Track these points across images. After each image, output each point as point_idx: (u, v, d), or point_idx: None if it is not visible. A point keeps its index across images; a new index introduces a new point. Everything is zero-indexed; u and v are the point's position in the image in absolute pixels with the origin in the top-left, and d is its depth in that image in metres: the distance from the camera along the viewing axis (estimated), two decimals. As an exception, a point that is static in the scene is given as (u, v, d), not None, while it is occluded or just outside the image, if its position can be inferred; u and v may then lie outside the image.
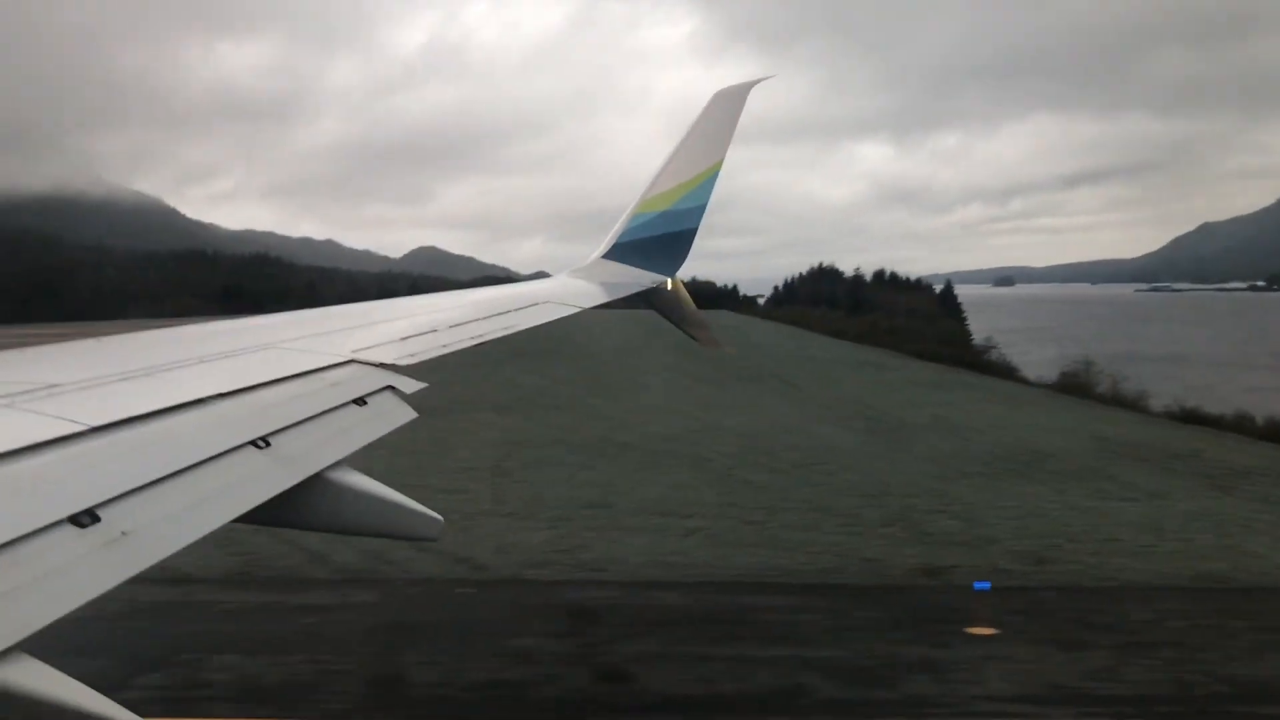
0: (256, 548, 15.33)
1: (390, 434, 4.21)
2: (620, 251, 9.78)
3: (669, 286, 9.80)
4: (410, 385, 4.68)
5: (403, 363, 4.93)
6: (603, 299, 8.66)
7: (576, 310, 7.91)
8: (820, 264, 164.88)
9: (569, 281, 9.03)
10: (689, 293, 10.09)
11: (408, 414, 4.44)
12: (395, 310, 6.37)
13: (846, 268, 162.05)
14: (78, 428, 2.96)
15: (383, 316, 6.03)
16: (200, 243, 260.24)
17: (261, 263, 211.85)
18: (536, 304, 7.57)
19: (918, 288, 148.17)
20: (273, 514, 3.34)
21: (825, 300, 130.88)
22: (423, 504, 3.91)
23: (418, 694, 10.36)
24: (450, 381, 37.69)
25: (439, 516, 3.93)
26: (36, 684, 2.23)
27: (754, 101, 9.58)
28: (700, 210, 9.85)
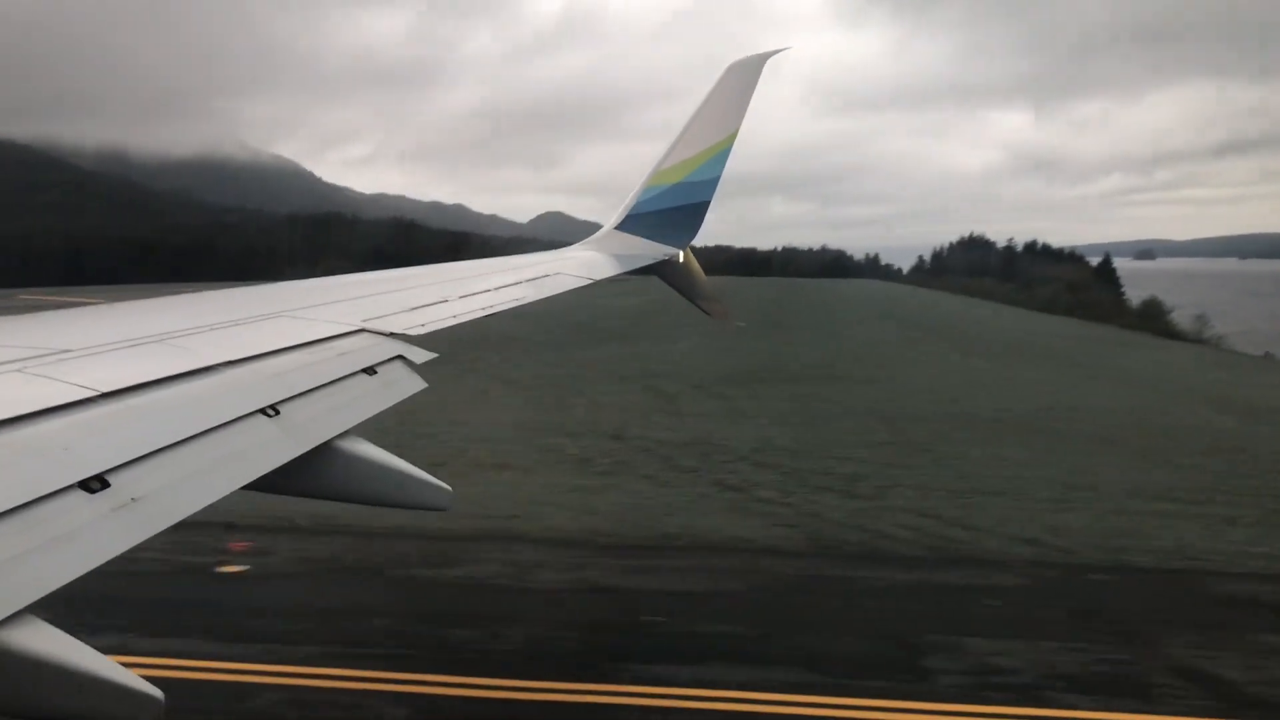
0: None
1: (400, 403, 4.20)
2: (633, 223, 9.77)
3: (681, 259, 9.77)
4: (420, 355, 4.66)
5: (413, 332, 4.93)
6: (616, 270, 8.65)
7: (590, 282, 7.89)
8: (971, 234, 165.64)
9: (582, 253, 9.02)
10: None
11: (417, 384, 4.43)
12: (405, 280, 6.35)
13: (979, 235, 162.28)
14: (88, 393, 2.97)
15: (393, 286, 6.01)
16: (335, 205, 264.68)
17: (397, 226, 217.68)
18: (549, 275, 7.54)
19: (1071, 259, 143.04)
20: (282, 482, 3.36)
21: (977, 270, 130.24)
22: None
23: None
24: (692, 351, 37.96)
25: (448, 487, 3.95)
26: (45, 647, 2.26)
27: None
28: (714, 183, 9.79)
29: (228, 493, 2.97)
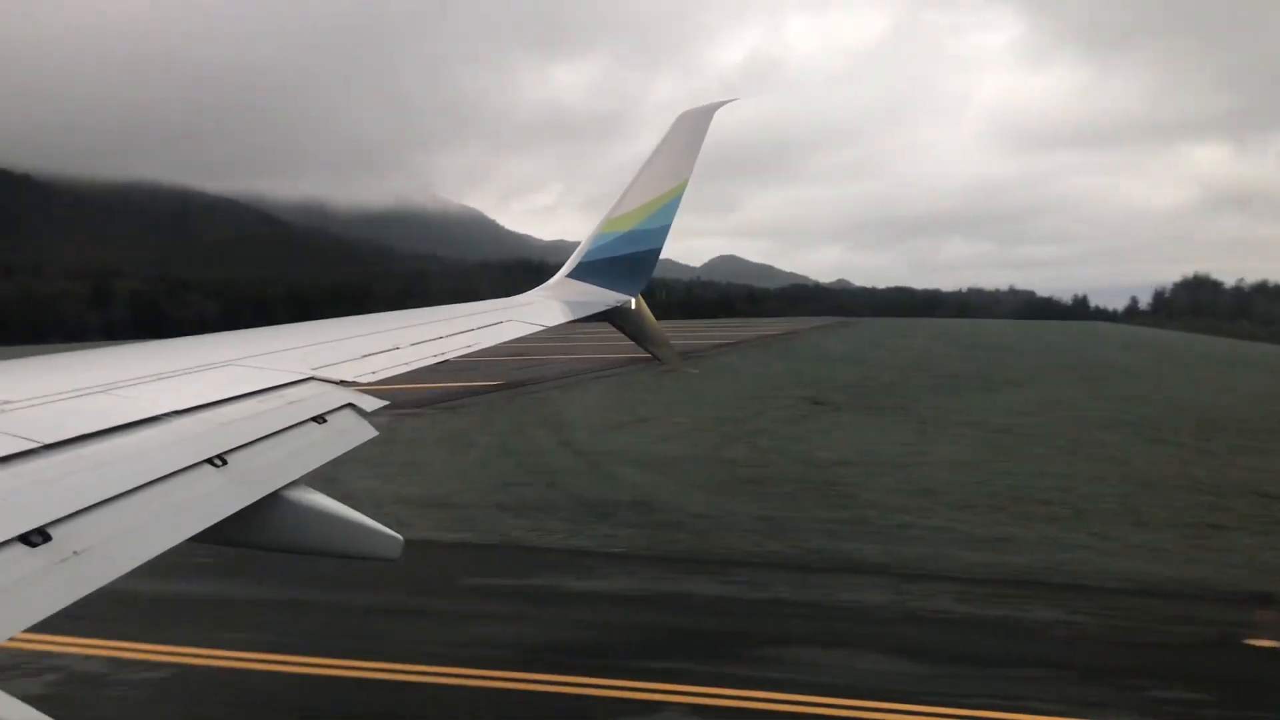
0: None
1: (350, 451, 4.21)
2: (585, 271, 9.74)
3: (634, 305, 9.68)
4: (371, 403, 4.66)
5: (363, 380, 4.94)
6: (568, 317, 8.65)
7: (540, 329, 7.88)
8: (1194, 274, 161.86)
9: (533, 299, 9.03)
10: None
11: (368, 432, 4.43)
12: (355, 327, 6.32)
13: (1168, 278, 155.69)
14: (30, 445, 2.95)
15: (342, 334, 5.99)
16: (516, 252, 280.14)
17: None
18: (500, 322, 7.53)
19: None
20: (229, 533, 3.35)
21: (1205, 310, 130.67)
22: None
23: None
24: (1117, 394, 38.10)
25: (399, 536, 3.95)
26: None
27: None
28: (664, 231, 9.80)
29: (173, 544, 2.96)
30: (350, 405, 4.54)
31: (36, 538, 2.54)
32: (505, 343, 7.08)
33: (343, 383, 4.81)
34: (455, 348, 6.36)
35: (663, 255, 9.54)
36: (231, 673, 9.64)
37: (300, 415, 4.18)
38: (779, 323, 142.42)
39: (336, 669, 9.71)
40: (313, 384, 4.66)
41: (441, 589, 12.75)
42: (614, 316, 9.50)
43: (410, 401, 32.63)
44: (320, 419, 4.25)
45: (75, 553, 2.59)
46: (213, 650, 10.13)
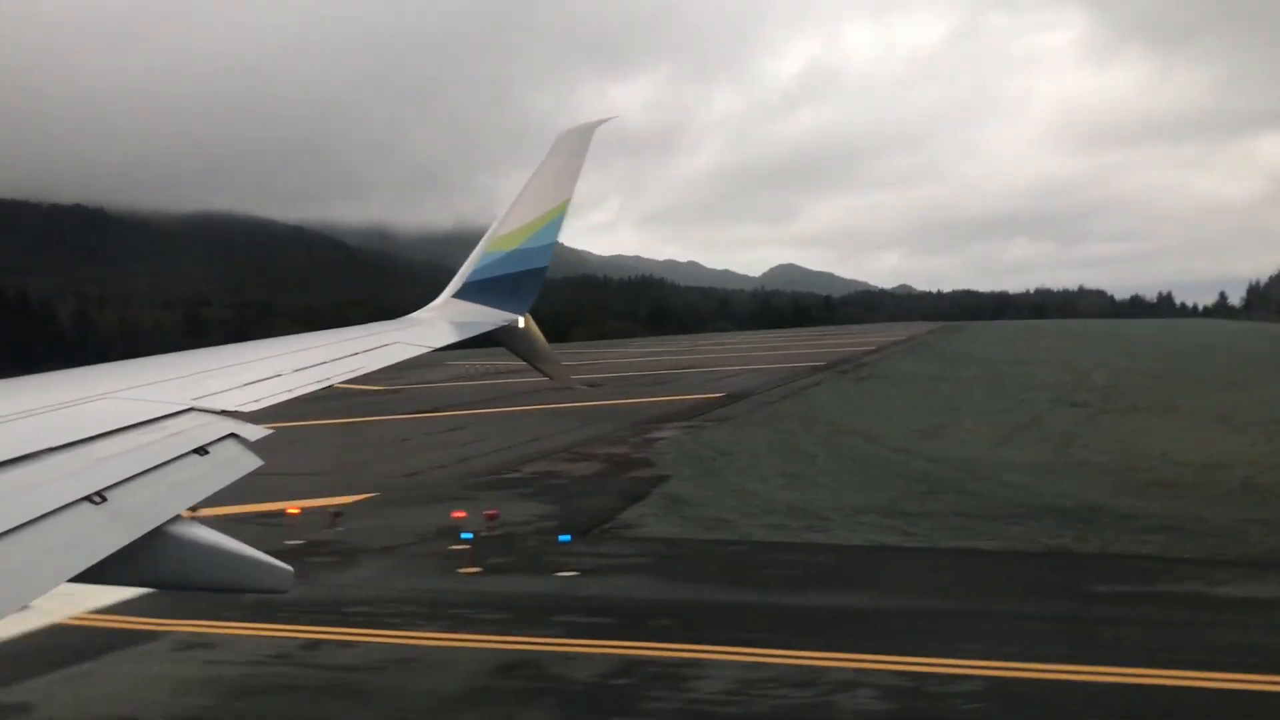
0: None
1: (234, 483, 4.12)
2: (470, 291, 9.61)
3: (521, 324, 9.62)
4: (254, 432, 4.56)
5: (246, 409, 4.83)
6: (454, 338, 8.60)
7: (427, 350, 7.79)
8: None
9: (418, 321, 8.90)
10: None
11: (253, 462, 4.34)
12: (237, 355, 6.19)
13: (1244, 272, 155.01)
14: None
15: (224, 361, 5.86)
16: (575, 268, 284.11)
17: (646, 284, 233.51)
18: (385, 345, 7.38)
19: None
20: (111, 572, 3.23)
21: None
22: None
23: None
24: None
25: (289, 568, 3.87)
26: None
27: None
28: (548, 249, 9.77)
29: (54, 587, 2.86)
30: (233, 435, 4.43)
31: None
32: (390, 365, 6.94)
33: (224, 412, 4.68)
34: (340, 372, 6.28)
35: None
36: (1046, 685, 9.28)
37: (182, 448, 4.06)
38: (879, 329, 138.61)
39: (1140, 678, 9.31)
40: (193, 414, 4.52)
41: (1089, 596, 12.13)
42: (502, 335, 9.43)
43: (657, 417, 32.47)
44: (202, 450, 4.14)
45: None
46: (1010, 663, 9.78)
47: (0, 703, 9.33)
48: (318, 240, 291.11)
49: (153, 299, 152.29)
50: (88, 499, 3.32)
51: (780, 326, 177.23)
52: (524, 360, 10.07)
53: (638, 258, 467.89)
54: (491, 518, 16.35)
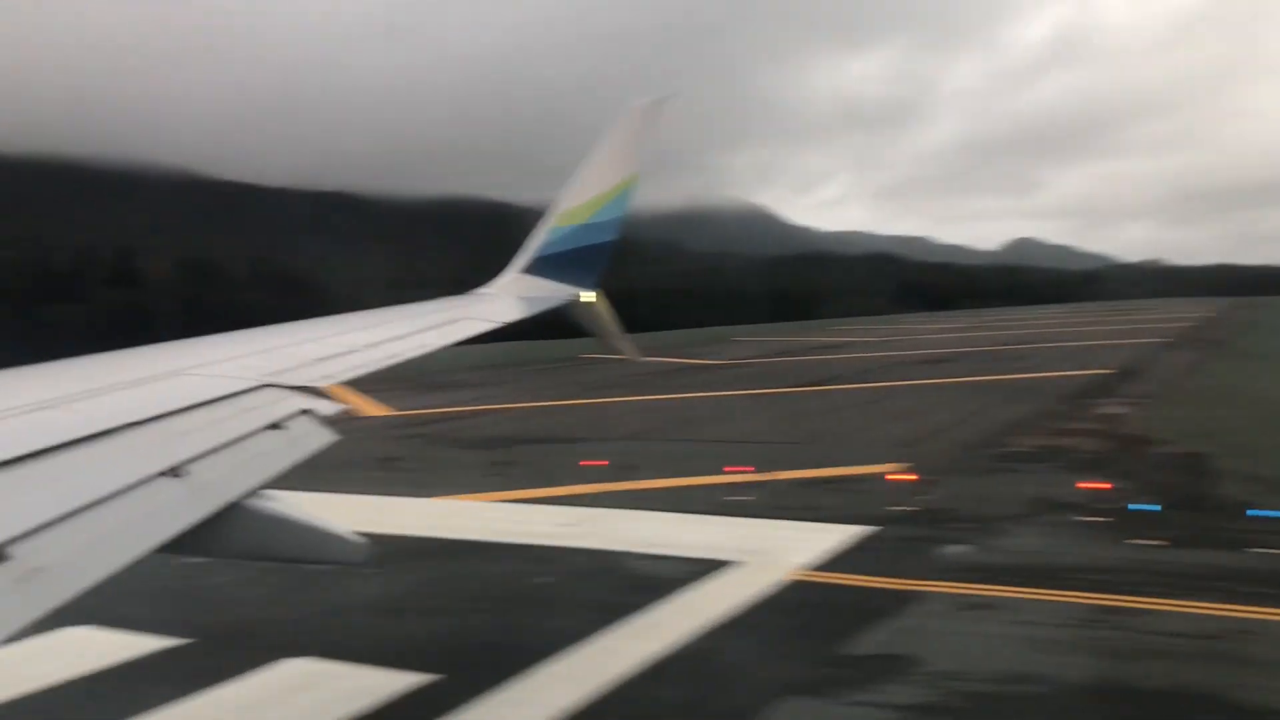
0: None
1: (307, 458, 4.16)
2: (538, 266, 9.64)
3: (589, 299, 9.57)
4: (327, 407, 4.62)
5: (319, 384, 4.87)
6: (523, 313, 8.55)
7: (495, 325, 7.77)
8: None
9: (485, 297, 8.91)
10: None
11: (325, 437, 4.39)
12: (307, 332, 6.21)
13: None
14: None
15: (295, 339, 5.88)
16: (799, 245, 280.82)
17: (880, 260, 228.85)
18: (454, 321, 7.39)
19: None
20: (189, 544, 3.32)
21: None
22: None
23: None
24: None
25: (362, 540, 3.93)
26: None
27: None
28: (617, 223, 9.74)
29: (134, 558, 2.94)
30: (306, 411, 4.48)
31: None
32: (460, 341, 6.92)
33: (298, 388, 4.73)
34: (410, 348, 6.29)
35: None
36: None
37: (256, 423, 4.14)
38: (1161, 305, 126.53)
39: None
40: (268, 391, 4.58)
41: None
42: (570, 310, 9.39)
43: (1074, 392, 31.08)
44: (277, 426, 4.21)
45: (35, 570, 2.58)
46: None
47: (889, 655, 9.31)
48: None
49: (405, 278, 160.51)
50: (167, 473, 3.40)
51: (1031, 302, 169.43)
52: (591, 334, 9.97)
53: (865, 233, 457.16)
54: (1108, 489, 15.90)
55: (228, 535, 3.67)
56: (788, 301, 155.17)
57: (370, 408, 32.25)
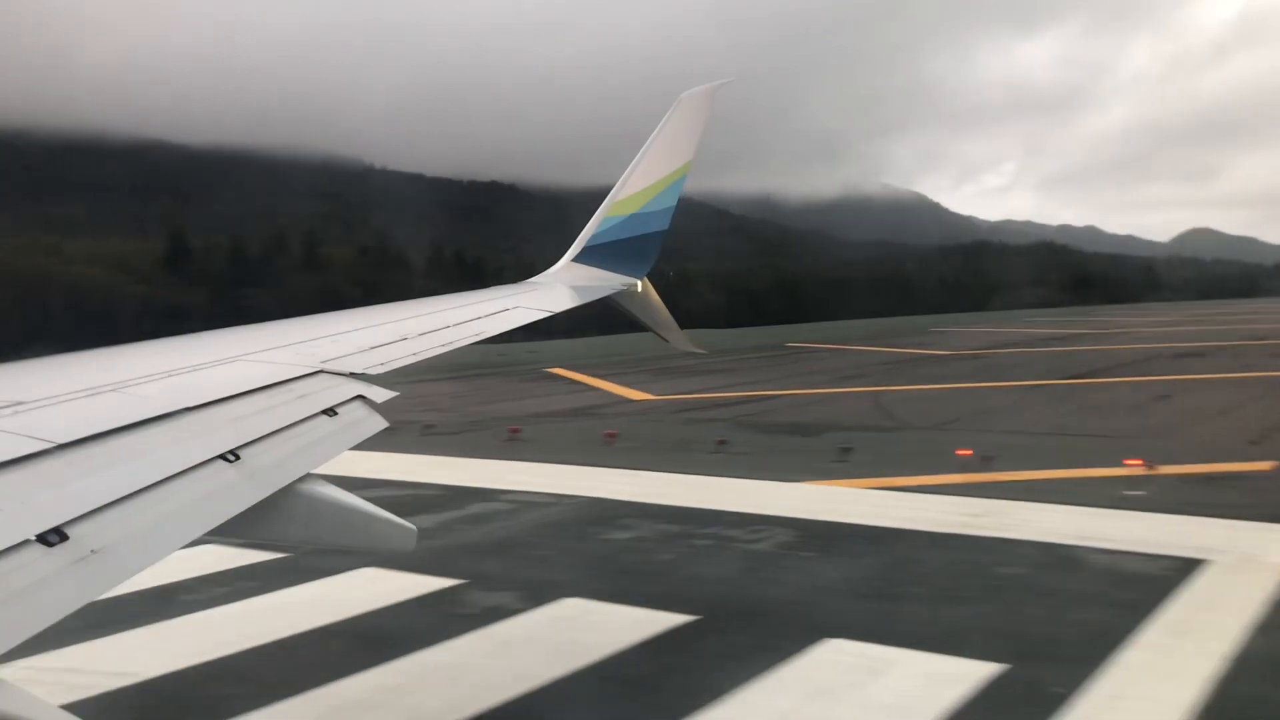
0: None
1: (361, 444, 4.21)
2: (590, 255, 9.62)
3: (639, 288, 9.58)
4: (381, 394, 4.67)
5: (372, 371, 4.91)
6: (574, 302, 8.55)
7: (548, 314, 7.77)
8: None
9: (537, 285, 8.89)
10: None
11: (379, 423, 4.44)
12: (361, 319, 6.22)
13: None
14: (44, 445, 2.99)
15: (349, 326, 5.90)
16: (960, 233, 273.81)
17: (1047, 250, 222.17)
18: (506, 309, 7.40)
19: None
20: (244, 527, 3.36)
21: None
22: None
23: None
24: None
25: (412, 527, 3.94)
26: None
27: None
28: (669, 212, 9.80)
29: (190, 540, 2.99)
30: (360, 397, 4.56)
31: (53, 538, 2.57)
32: (512, 328, 6.98)
33: (352, 375, 4.79)
34: (464, 336, 6.31)
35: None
36: None
37: (311, 409, 4.20)
38: None
39: None
40: (322, 377, 4.65)
41: None
42: (621, 300, 9.37)
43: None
44: (331, 412, 4.27)
45: (92, 551, 2.62)
46: None
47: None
48: (703, 209, 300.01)
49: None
50: (222, 457, 3.43)
51: (1218, 296, 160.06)
52: (640, 323, 9.94)
53: (1029, 222, 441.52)
54: None
55: (281, 520, 3.63)
56: (956, 292, 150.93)
57: (629, 393, 32.05)
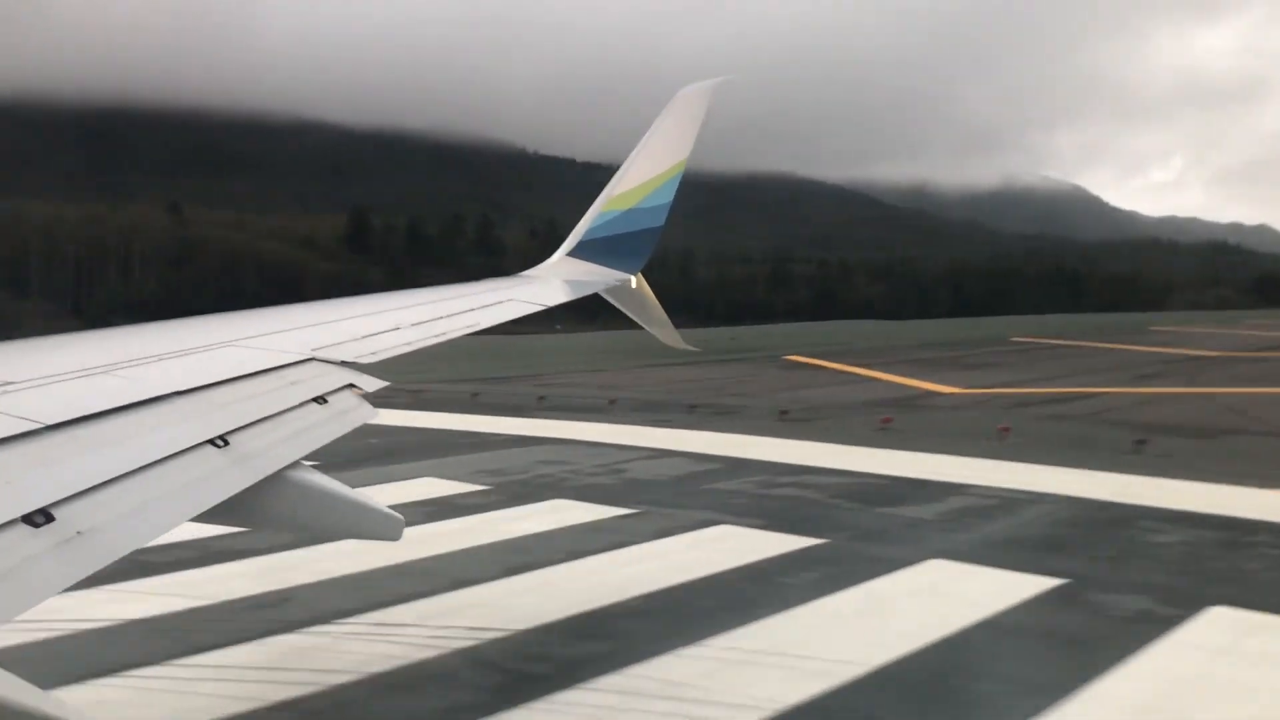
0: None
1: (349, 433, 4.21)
2: (585, 250, 9.53)
3: (633, 284, 9.51)
4: (371, 384, 4.67)
5: (363, 360, 4.92)
6: (568, 296, 8.50)
7: (541, 308, 7.77)
8: None
9: (532, 279, 8.82)
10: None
11: (369, 413, 4.44)
12: (356, 308, 6.21)
13: None
14: (33, 426, 2.98)
15: (343, 314, 5.89)
16: (1120, 230, 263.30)
17: (1215, 249, 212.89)
18: (500, 302, 7.40)
19: None
20: (231, 513, 3.35)
21: None
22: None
23: None
24: None
25: (400, 517, 3.90)
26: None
27: None
28: (665, 208, 9.66)
29: (176, 525, 2.97)
30: (351, 386, 4.54)
31: (39, 518, 2.57)
32: (506, 321, 7.00)
33: (343, 363, 4.77)
34: (457, 328, 6.29)
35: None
36: None
37: (301, 396, 4.18)
38: None
39: None
40: (313, 365, 4.63)
41: None
42: (614, 295, 9.32)
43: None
44: (321, 400, 4.24)
45: (78, 533, 2.61)
46: None
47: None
48: (856, 199, 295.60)
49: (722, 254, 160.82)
50: (211, 442, 3.41)
51: None
52: (634, 319, 9.84)
53: (1195, 219, 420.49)
54: None
55: (268, 506, 3.57)
56: (1129, 290, 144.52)
57: (927, 385, 30.95)
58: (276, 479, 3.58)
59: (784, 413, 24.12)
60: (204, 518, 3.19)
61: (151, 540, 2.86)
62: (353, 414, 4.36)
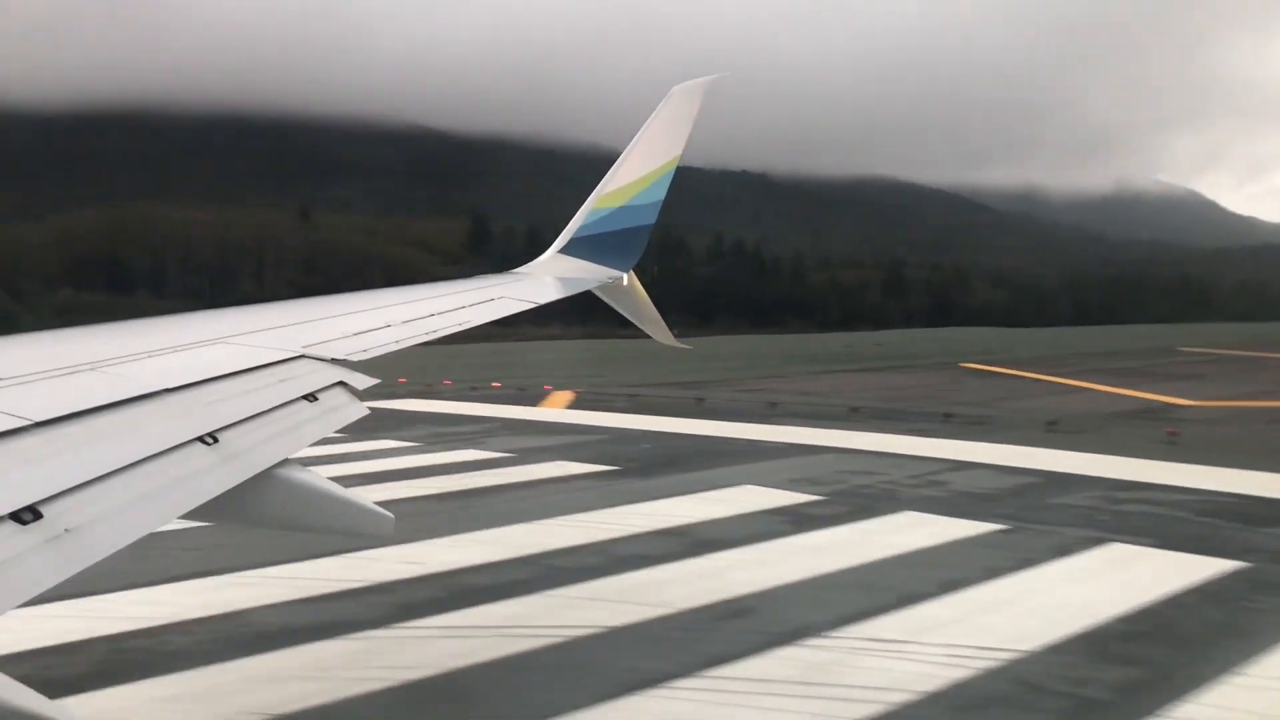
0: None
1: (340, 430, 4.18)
2: (577, 247, 9.53)
3: (625, 282, 9.51)
4: (362, 381, 4.66)
5: (355, 358, 4.91)
6: (560, 293, 8.51)
7: (532, 305, 7.75)
8: None
9: (523, 276, 8.84)
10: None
11: (359, 410, 4.42)
12: (347, 305, 6.21)
13: None
14: (20, 422, 2.95)
15: (334, 311, 5.86)
16: (1235, 236, 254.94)
17: None
18: (491, 299, 7.36)
19: None
20: (220, 510, 3.34)
21: None
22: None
23: None
24: None
25: (389, 515, 3.90)
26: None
27: None
28: (657, 206, 9.69)
29: (165, 523, 2.96)
30: (341, 383, 4.51)
31: (27, 515, 2.54)
32: (497, 319, 7.00)
33: (334, 360, 4.75)
34: (448, 325, 6.28)
35: None
36: None
37: (291, 393, 4.16)
38: None
39: None
40: (304, 362, 4.60)
41: None
42: (606, 292, 9.32)
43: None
44: (311, 397, 4.22)
45: (66, 530, 2.59)
46: None
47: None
48: (961, 203, 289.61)
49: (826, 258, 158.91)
50: (200, 439, 3.39)
51: None
52: (625, 317, 9.78)
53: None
54: None
55: (258, 503, 3.56)
56: (1259, 300, 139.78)
57: (1162, 398, 29.85)
58: (266, 476, 3.59)
59: (1051, 423, 23.19)
60: (193, 515, 3.18)
61: (140, 536, 2.82)
62: (343, 411, 4.37)
